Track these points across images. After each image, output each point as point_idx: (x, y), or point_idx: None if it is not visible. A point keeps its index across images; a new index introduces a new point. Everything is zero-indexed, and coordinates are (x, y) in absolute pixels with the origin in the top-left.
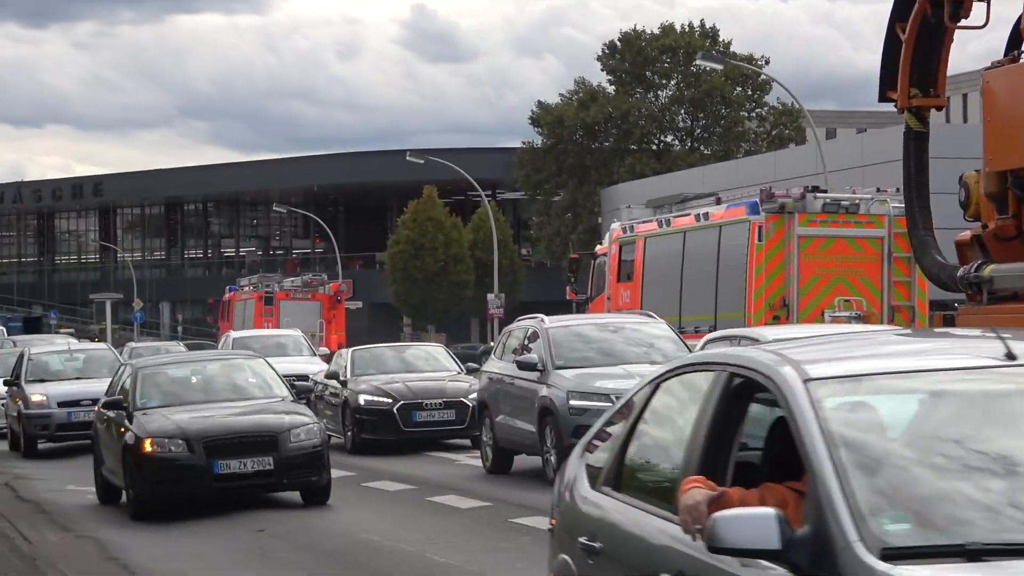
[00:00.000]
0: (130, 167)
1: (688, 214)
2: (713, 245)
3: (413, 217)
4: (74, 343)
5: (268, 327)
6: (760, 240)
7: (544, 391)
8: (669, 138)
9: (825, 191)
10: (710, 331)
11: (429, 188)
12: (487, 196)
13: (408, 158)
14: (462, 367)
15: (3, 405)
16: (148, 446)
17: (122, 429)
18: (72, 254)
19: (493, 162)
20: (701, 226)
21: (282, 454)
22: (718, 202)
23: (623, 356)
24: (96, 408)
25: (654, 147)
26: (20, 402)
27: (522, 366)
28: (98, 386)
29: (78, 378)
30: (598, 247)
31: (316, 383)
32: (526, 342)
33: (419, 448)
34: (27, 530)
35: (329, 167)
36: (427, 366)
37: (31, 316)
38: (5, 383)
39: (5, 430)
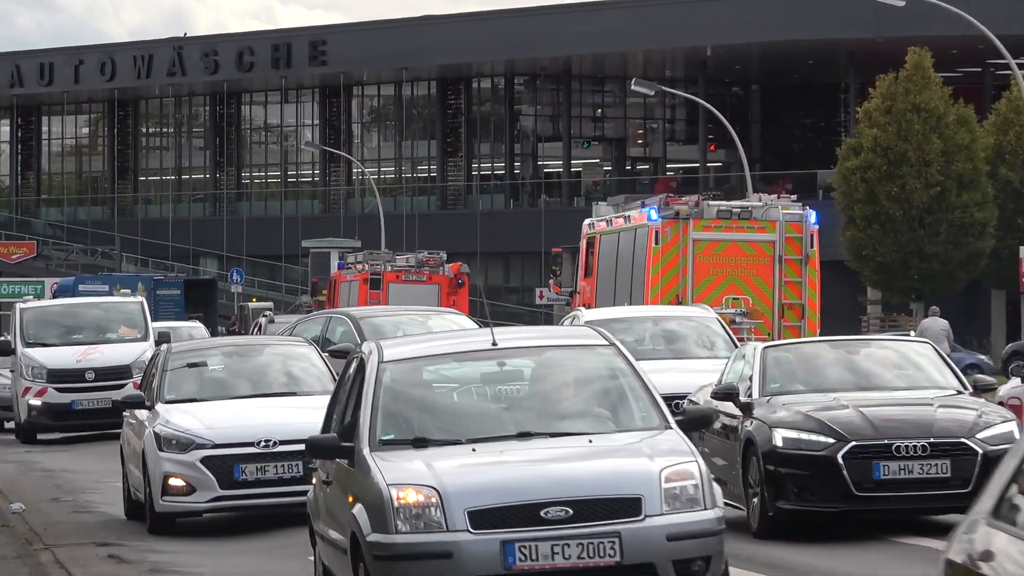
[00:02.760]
0: (371, 15)
1: (621, 216)
2: (630, 246)
3: (885, 105)
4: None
5: None
6: (656, 244)
7: None
8: None
9: (721, 198)
10: None
11: (917, 52)
12: (1022, 68)
13: None
14: (966, 383)
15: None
16: None
17: None
18: (270, 167)
19: None
20: (626, 228)
21: None
22: (642, 205)
23: None
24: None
25: None
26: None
27: None
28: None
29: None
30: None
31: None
32: None
33: (880, 528)
34: None
35: (730, 16)
36: (899, 379)
37: (197, 279)
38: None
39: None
